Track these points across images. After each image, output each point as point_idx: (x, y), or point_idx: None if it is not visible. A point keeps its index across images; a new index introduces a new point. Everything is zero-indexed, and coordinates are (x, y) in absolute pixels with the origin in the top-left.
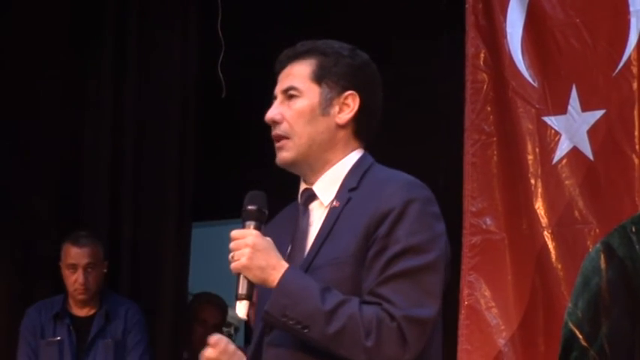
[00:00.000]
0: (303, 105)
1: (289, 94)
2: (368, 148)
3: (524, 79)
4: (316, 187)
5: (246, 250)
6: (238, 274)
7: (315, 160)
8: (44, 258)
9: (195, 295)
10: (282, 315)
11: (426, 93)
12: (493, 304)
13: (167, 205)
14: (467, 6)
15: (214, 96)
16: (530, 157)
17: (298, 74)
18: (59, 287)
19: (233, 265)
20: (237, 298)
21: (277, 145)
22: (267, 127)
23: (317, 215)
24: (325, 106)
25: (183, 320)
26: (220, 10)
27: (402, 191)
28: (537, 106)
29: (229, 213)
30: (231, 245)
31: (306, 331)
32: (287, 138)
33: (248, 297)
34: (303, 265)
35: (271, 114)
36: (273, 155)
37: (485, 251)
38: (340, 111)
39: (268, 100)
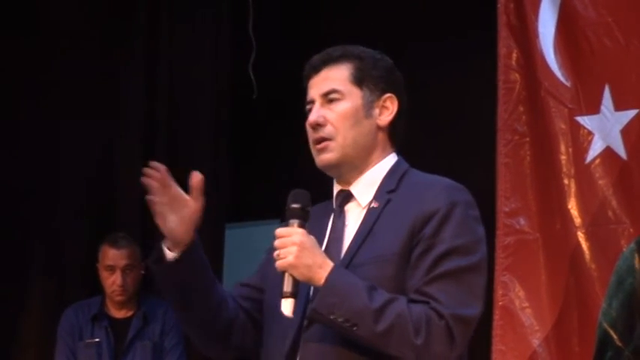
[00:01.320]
0: (346, 107)
1: (330, 98)
2: (401, 152)
3: (557, 78)
4: (354, 189)
5: (293, 249)
6: (283, 272)
7: (358, 161)
8: (78, 260)
9: None
10: (330, 313)
11: (457, 93)
12: (527, 304)
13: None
14: (499, 5)
15: (246, 96)
16: (563, 157)
17: (337, 77)
18: (93, 289)
19: (279, 263)
20: (283, 295)
21: (319, 146)
22: (298, 128)
23: (353, 216)
24: (368, 109)
25: None
26: (252, 10)
27: (446, 194)
28: (570, 105)
29: (262, 214)
30: (277, 243)
31: (354, 329)
32: (330, 140)
33: (293, 295)
34: (343, 264)
35: (314, 117)
36: (305, 156)
37: (519, 251)
38: (381, 113)
39: (299, 101)
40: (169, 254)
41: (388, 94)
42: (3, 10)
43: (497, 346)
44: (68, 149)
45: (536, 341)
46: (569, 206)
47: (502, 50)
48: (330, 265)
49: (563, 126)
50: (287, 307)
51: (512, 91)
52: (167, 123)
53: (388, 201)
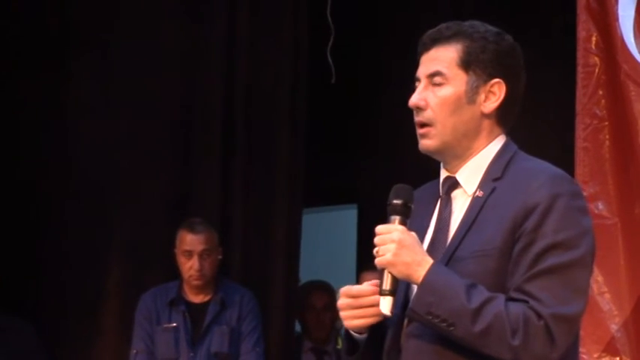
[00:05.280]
0: (449, 93)
1: (435, 81)
2: (510, 134)
3: (637, 62)
4: (459, 176)
5: (392, 246)
6: (382, 270)
7: (460, 149)
8: (155, 244)
9: (301, 285)
10: (427, 312)
11: (536, 76)
12: (606, 289)
13: (277, 191)
14: None
15: (324, 81)
16: None
17: (444, 59)
18: (170, 274)
19: (378, 261)
20: (381, 293)
21: (420, 131)
22: (376, 114)
23: (459, 204)
24: (472, 95)
25: (296, 311)
26: None
27: (549, 185)
28: None
29: (338, 199)
30: (376, 240)
31: (451, 329)
32: (430, 126)
33: (392, 293)
34: (446, 256)
35: (415, 100)
36: (383, 142)
37: (598, 236)
38: (486, 99)
39: (378, 86)
40: (358, 336)
41: (496, 80)
42: None
43: None
44: (144, 134)
45: (614, 326)
46: None
47: (581, 34)
48: (428, 262)
49: None
50: (385, 305)
51: (592, 75)
52: (244, 108)
53: (493, 190)
